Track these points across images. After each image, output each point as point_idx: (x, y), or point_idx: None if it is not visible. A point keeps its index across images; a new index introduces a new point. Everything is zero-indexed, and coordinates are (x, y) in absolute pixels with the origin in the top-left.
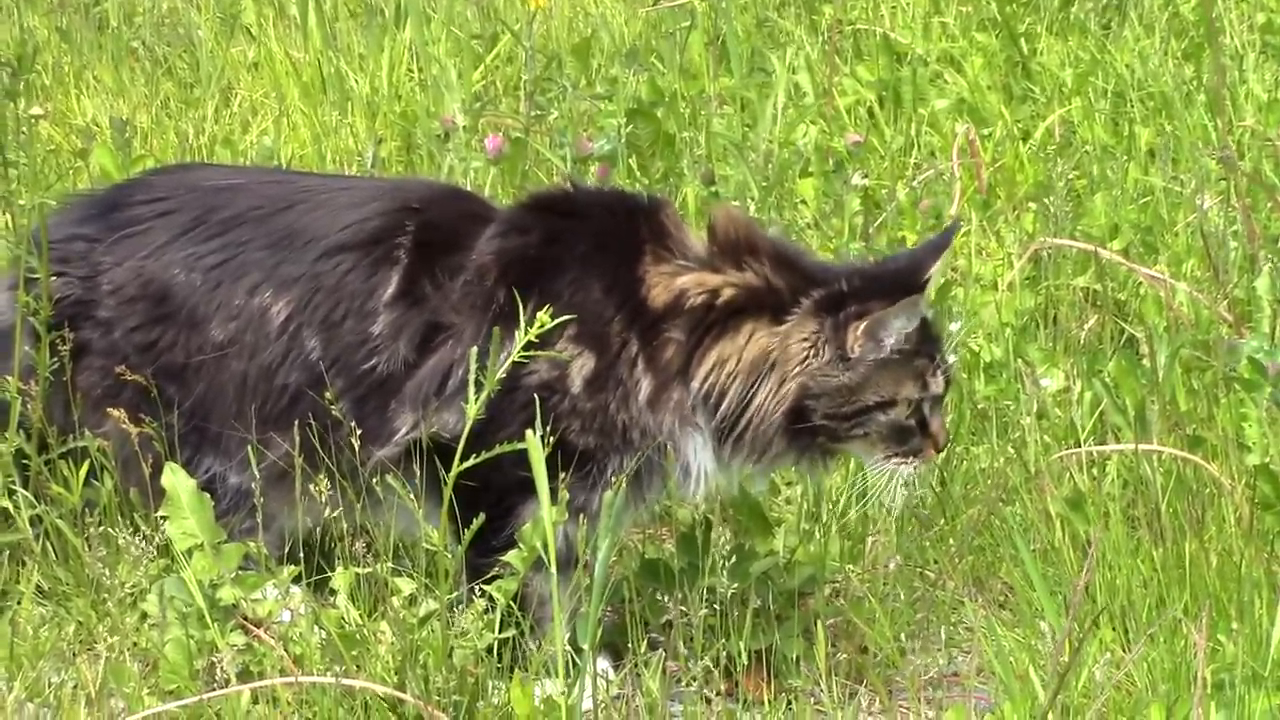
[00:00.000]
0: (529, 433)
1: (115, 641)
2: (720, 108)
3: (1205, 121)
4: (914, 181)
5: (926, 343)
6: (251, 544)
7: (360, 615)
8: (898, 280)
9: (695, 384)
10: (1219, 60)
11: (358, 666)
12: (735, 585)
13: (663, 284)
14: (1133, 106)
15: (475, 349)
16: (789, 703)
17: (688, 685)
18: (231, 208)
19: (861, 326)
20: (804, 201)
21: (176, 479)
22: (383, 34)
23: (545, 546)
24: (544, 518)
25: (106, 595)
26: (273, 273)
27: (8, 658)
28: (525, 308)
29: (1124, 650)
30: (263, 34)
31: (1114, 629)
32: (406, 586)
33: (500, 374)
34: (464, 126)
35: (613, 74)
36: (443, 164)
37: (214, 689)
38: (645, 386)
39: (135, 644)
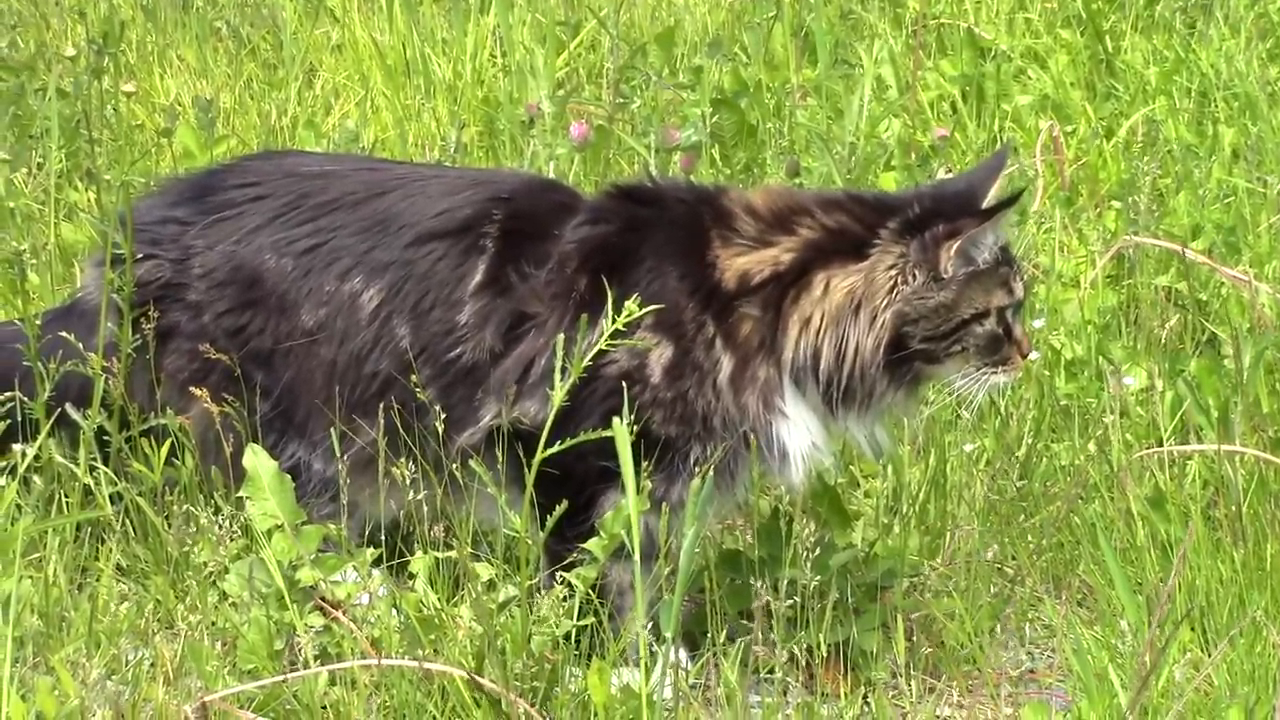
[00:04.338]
0: (615, 420)
1: (194, 620)
2: (804, 99)
3: None
4: None
5: (1005, 250)
6: (332, 526)
7: (439, 600)
8: (963, 200)
9: (788, 354)
10: None
11: (436, 651)
12: (817, 577)
13: (731, 266)
14: (1217, 106)
15: (558, 338)
16: (865, 696)
17: (766, 675)
18: (324, 193)
19: (955, 246)
20: None
21: (258, 460)
22: (466, 19)
23: (629, 534)
24: (628, 505)
25: (190, 574)
26: (364, 259)
27: (87, 634)
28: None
29: (1202, 650)
30: (346, 16)
31: (1192, 629)
32: (485, 572)
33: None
34: (549, 113)
35: (696, 63)
36: (526, 150)
37: (292, 670)
38: (726, 365)
39: (214, 623)
